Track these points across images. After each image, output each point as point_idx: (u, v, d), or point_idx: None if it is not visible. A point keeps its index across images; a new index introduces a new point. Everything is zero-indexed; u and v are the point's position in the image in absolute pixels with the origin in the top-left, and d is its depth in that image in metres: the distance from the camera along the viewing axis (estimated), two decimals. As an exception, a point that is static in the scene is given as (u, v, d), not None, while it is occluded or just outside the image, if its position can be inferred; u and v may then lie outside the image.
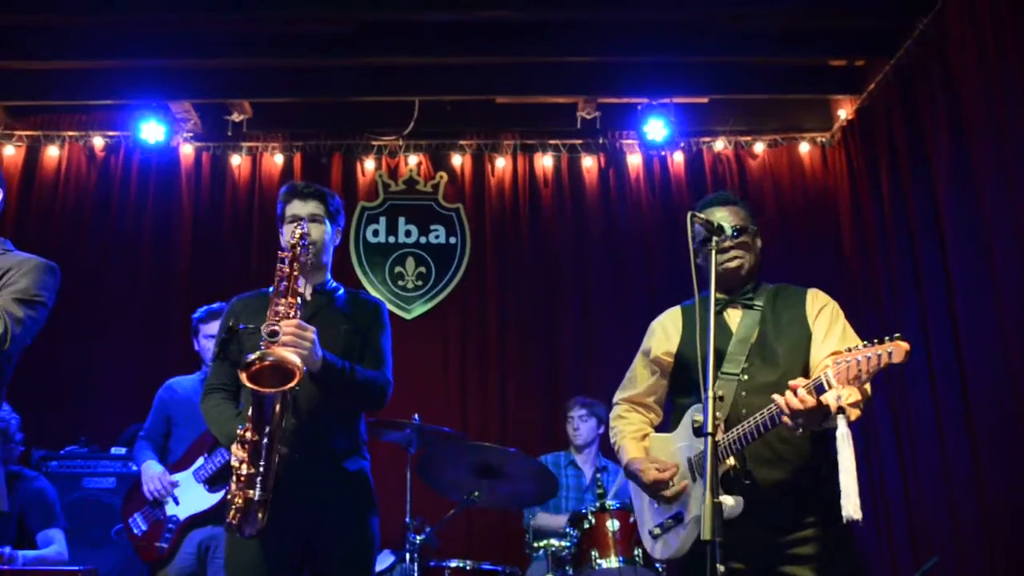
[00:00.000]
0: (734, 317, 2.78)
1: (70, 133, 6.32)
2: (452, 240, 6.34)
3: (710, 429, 2.19)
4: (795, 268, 5.89)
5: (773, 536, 2.57)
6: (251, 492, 2.57)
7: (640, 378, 2.96)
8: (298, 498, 2.73)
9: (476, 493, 4.11)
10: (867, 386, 2.40)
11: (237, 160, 6.37)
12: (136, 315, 5.96)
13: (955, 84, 4.72)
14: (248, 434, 2.59)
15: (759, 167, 6.40)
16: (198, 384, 4.43)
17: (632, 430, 2.90)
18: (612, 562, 3.98)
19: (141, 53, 5.50)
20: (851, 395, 2.31)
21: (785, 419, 2.40)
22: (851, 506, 2.25)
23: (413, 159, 6.43)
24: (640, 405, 2.95)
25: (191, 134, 6.29)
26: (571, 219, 6.32)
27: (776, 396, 2.42)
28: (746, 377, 2.64)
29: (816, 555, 2.54)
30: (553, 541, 4.15)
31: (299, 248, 2.82)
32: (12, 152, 6.26)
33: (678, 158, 6.38)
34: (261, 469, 2.57)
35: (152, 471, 4.18)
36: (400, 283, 6.26)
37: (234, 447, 2.64)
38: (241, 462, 2.59)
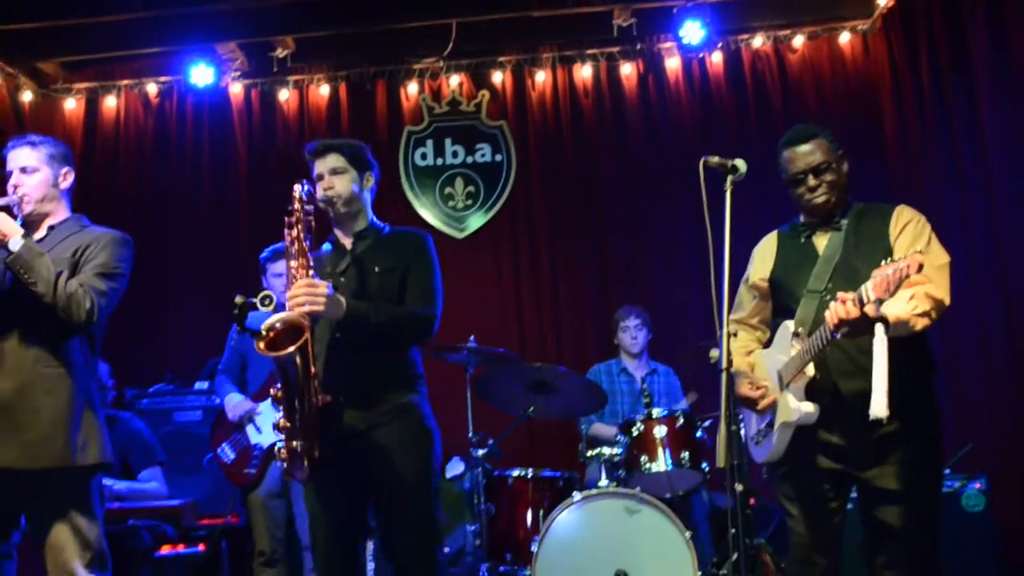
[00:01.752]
0: (822, 240, 2.93)
1: (124, 82, 6.57)
2: (498, 157, 6.49)
3: (724, 364, 2.38)
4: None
5: (854, 441, 2.76)
6: (293, 443, 2.81)
7: (744, 302, 3.14)
8: (352, 437, 2.96)
9: (531, 408, 4.40)
10: (941, 294, 2.59)
11: (285, 94, 6.56)
12: (202, 254, 6.28)
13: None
14: (279, 393, 2.81)
15: (799, 61, 6.34)
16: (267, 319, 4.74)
17: (739, 347, 3.06)
18: (660, 465, 4.27)
19: (186, 2, 5.68)
20: (904, 307, 2.51)
21: (832, 328, 2.56)
22: (878, 405, 2.44)
23: (455, 80, 6.54)
24: (747, 325, 3.13)
25: (239, 73, 6.47)
26: (612, 128, 6.39)
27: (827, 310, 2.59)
28: (828, 296, 2.78)
29: (895, 460, 2.73)
30: (605, 449, 4.43)
31: (299, 212, 2.94)
32: (73, 105, 6.55)
33: (716, 59, 6.37)
34: (297, 422, 2.80)
35: (234, 400, 4.54)
36: (451, 203, 6.46)
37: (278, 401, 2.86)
38: (280, 417, 2.83)
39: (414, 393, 3.12)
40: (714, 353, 2.55)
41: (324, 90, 6.56)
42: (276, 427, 2.84)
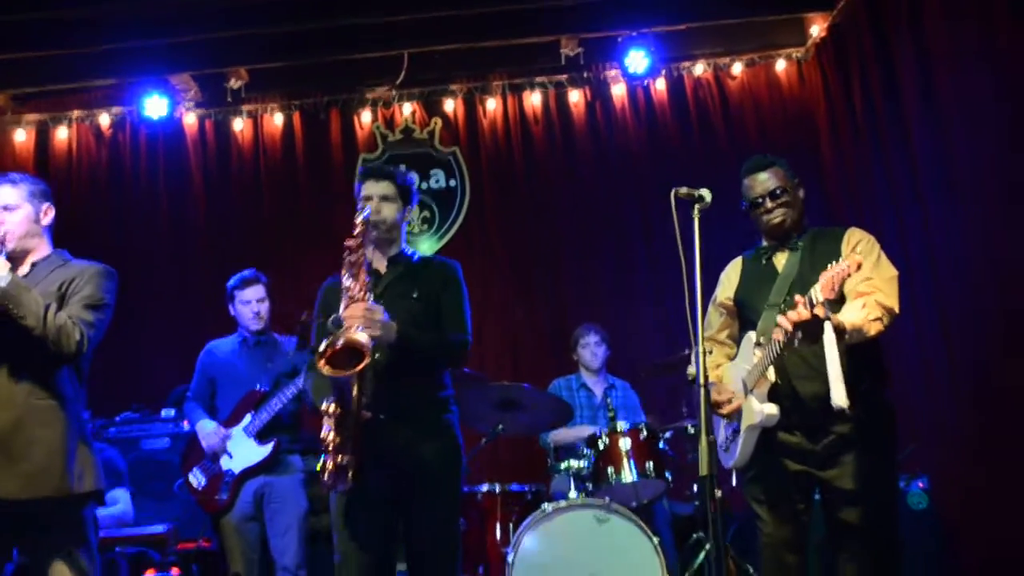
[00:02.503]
0: (781, 259, 3.21)
1: (76, 113, 6.60)
2: (452, 183, 6.67)
3: (702, 380, 2.59)
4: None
5: (813, 442, 3.00)
6: (339, 457, 2.94)
7: (712, 320, 3.38)
8: (387, 452, 3.08)
9: (500, 426, 4.57)
10: (891, 303, 2.85)
11: (239, 124, 6.65)
12: (162, 283, 6.33)
13: (920, 3, 5.00)
14: (332, 408, 2.95)
15: (738, 88, 6.66)
16: (237, 345, 4.81)
17: (710, 362, 3.27)
18: (627, 476, 4.46)
19: (139, 34, 5.77)
20: (858, 314, 2.78)
21: (780, 335, 2.80)
22: (837, 395, 2.69)
23: (407, 108, 6.72)
24: (716, 342, 3.36)
25: (193, 103, 6.56)
26: (562, 152, 6.63)
27: (779, 316, 2.82)
28: (785, 308, 2.98)
29: (849, 460, 2.96)
30: (572, 461, 4.61)
31: (361, 236, 3.10)
32: (23, 137, 6.55)
33: (660, 85, 6.66)
34: (347, 437, 2.94)
35: (207, 428, 4.59)
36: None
37: (325, 420, 2.98)
38: (329, 431, 2.95)
39: (448, 412, 3.30)
40: (691, 370, 2.75)
41: (278, 119, 6.67)
42: (323, 442, 2.96)
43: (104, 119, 6.61)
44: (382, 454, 3.07)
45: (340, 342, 2.89)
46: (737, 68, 6.66)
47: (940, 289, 5.01)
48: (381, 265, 3.34)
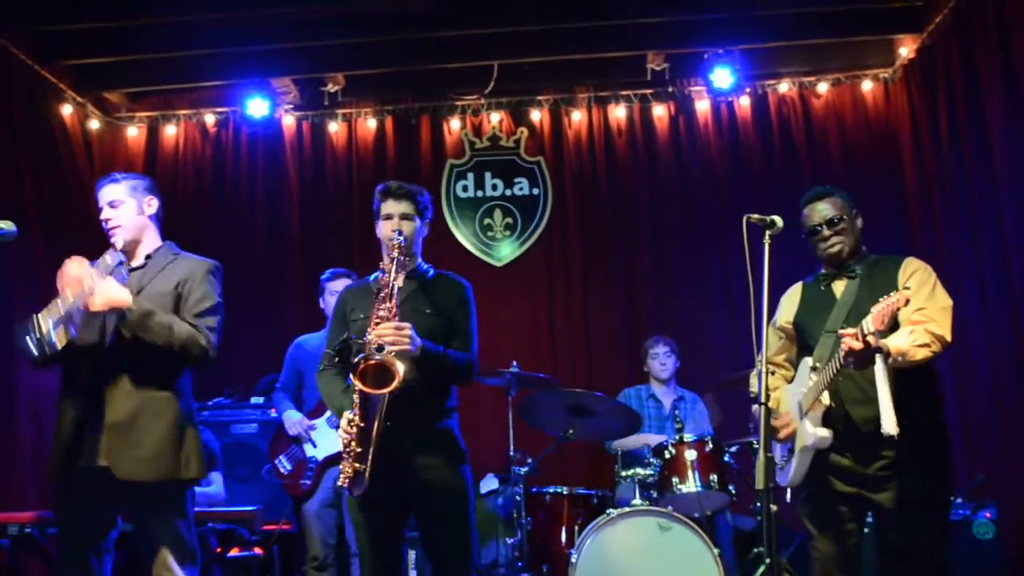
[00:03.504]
0: (839, 286, 3.33)
1: (184, 112, 6.97)
2: (535, 191, 6.86)
3: (763, 399, 2.73)
4: (858, 205, 6.24)
5: (864, 465, 3.12)
6: (358, 465, 3.13)
7: (771, 342, 3.49)
8: (396, 458, 3.24)
9: (571, 431, 4.74)
10: (942, 331, 2.96)
11: (334, 127, 6.95)
12: (254, 278, 6.63)
13: (1009, 29, 4.99)
14: (356, 419, 3.13)
15: (823, 106, 6.70)
16: (324, 341, 5.08)
17: (769, 384, 3.39)
18: (691, 486, 4.59)
19: (245, 40, 6.07)
20: (905, 340, 2.90)
21: (836, 364, 2.95)
22: (887, 423, 2.82)
23: (495, 117, 6.92)
24: (775, 364, 3.50)
25: (291, 106, 6.86)
26: (644, 165, 6.76)
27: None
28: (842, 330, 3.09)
29: (899, 484, 3.07)
30: (639, 469, 4.75)
31: (394, 262, 3.29)
32: (135, 133, 6.95)
33: (744, 102, 6.73)
34: (366, 447, 3.13)
35: (293, 418, 4.88)
36: (489, 233, 6.83)
37: (343, 426, 3.18)
38: (351, 440, 3.14)
39: (450, 419, 3.46)
40: (754, 387, 2.89)
41: (371, 123, 6.94)
42: (346, 450, 3.16)
43: (209, 118, 6.98)
44: (389, 460, 3.19)
45: (375, 360, 3.05)
46: (823, 87, 6.70)
47: (1017, 315, 5.00)
48: (399, 279, 3.44)
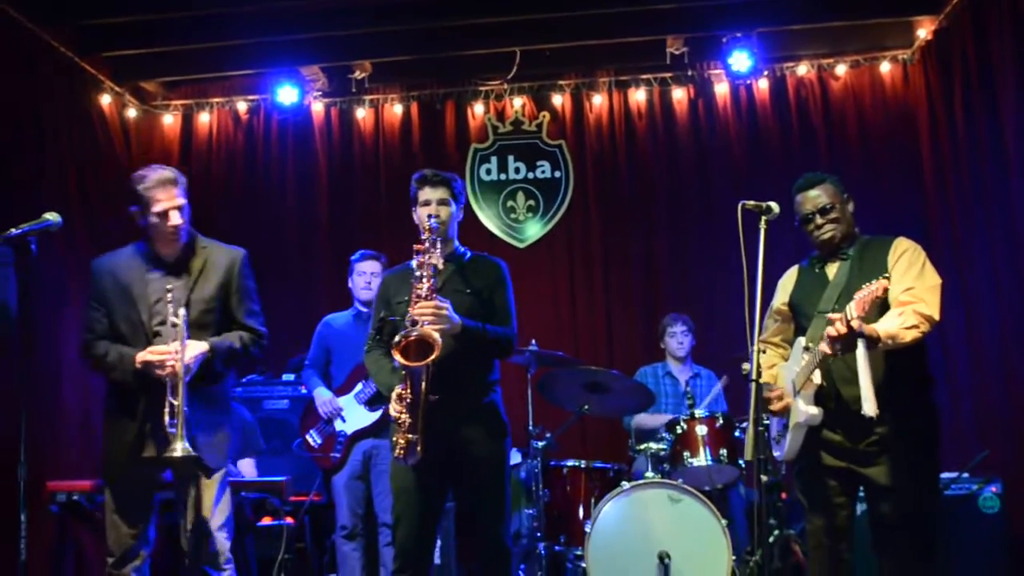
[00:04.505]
0: (832, 269, 3.48)
1: (217, 100, 7.21)
2: (557, 174, 7.03)
3: (754, 376, 2.90)
4: (875, 187, 6.38)
5: (854, 441, 3.28)
6: (410, 436, 3.37)
7: (768, 324, 3.69)
8: (442, 429, 3.47)
9: (586, 406, 4.93)
10: (930, 311, 3.08)
11: (361, 113, 7.15)
12: (285, 260, 6.87)
13: (1022, 14, 5.06)
14: (405, 393, 3.38)
15: (841, 88, 6.77)
16: (351, 319, 5.28)
17: (764, 361, 3.59)
18: (701, 460, 4.77)
19: (275, 30, 6.28)
20: (893, 323, 3.04)
21: (824, 346, 3.10)
22: (867, 404, 2.98)
23: (518, 101, 7.08)
24: (772, 344, 3.68)
25: (320, 93, 7.06)
26: (664, 148, 6.89)
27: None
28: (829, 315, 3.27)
29: (887, 459, 3.22)
30: (652, 444, 4.94)
31: (430, 240, 3.50)
32: (171, 121, 7.20)
33: (763, 85, 6.82)
34: (415, 418, 3.36)
35: (323, 396, 5.11)
36: (512, 215, 7.01)
37: (394, 401, 3.42)
38: (400, 413, 3.38)
39: (494, 393, 3.70)
40: (746, 366, 3.06)
41: (398, 109, 7.13)
42: (398, 422, 3.40)
43: (241, 105, 7.20)
44: (436, 431, 3.42)
45: (415, 335, 3.29)
46: (841, 69, 6.76)
47: (1025, 296, 5.10)
48: (439, 261, 3.60)
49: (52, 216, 3.36)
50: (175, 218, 3.56)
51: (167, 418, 3.35)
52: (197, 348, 3.47)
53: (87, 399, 5.57)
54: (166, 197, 3.56)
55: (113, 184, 6.31)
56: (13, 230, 3.22)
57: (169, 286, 3.52)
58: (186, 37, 6.34)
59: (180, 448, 3.35)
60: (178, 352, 3.39)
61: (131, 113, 6.89)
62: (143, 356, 3.43)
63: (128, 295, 3.57)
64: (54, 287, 5.43)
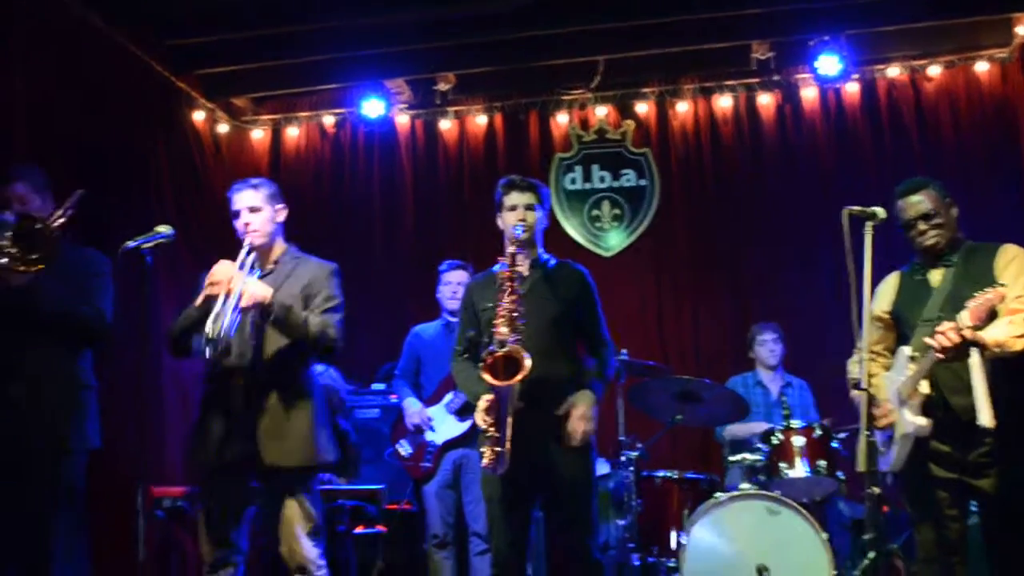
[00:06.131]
0: (936, 276, 3.40)
1: (305, 114, 7.35)
2: (642, 182, 6.98)
3: (864, 384, 2.83)
4: (972, 191, 6.18)
5: (964, 452, 3.19)
6: (498, 448, 3.39)
7: (869, 332, 3.56)
8: (530, 441, 3.47)
9: (679, 416, 4.87)
10: None
11: (446, 124, 7.21)
12: (373, 271, 6.95)
13: None
14: (491, 403, 3.39)
15: (935, 89, 6.59)
16: (441, 329, 5.33)
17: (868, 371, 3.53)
18: (799, 472, 4.66)
19: (361, 44, 6.38)
20: (1003, 331, 2.96)
21: (937, 355, 3.01)
22: (983, 415, 2.91)
23: (601, 110, 7.06)
24: (873, 352, 3.54)
25: (405, 105, 7.15)
26: (750, 154, 6.80)
27: (928, 339, 3.02)
28: (939, 322, 3.17)
29: (996, 471, 3.14)
30: (747, 455, 4.86)
31: (516, 245, 3.52)
32: (260, 135, 7.36)
33: (852, 88, 6.68)
34: (503, 430, 3.37)
35: (413, 407, 5.16)
36: (598, 224, 6.99)
37: (480, 410, 3.44)
38: (489, 425, 3.40)
39: None
40: (851, 375, 3.00)
41: (481, 120, 7.18)
42: (486, 434, 3.41)
43: (328, 119, 7.33)
44: (522, 441, 3.42)
45: (502, 352, 3.31)
46: (934, 70, 6.58)
47: None
48: (524, 267, 3.63)
49: (165, 229, 3.46)
50: (244, 217, 3.69)
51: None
52: (261, 289, 3.48)
53: (188, 405, 5.71)
54: (238, 200, 3.71)
55: (206, 197, 6.50)
56: (129, 243, 3.32)
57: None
58: (275, 54, 6.49)
59: (262, 451, 3.43)
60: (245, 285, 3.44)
61: (222, 128, 7.07)
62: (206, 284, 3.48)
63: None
64: (156, 297, 5.60)
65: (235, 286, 3.42)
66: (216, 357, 3.55)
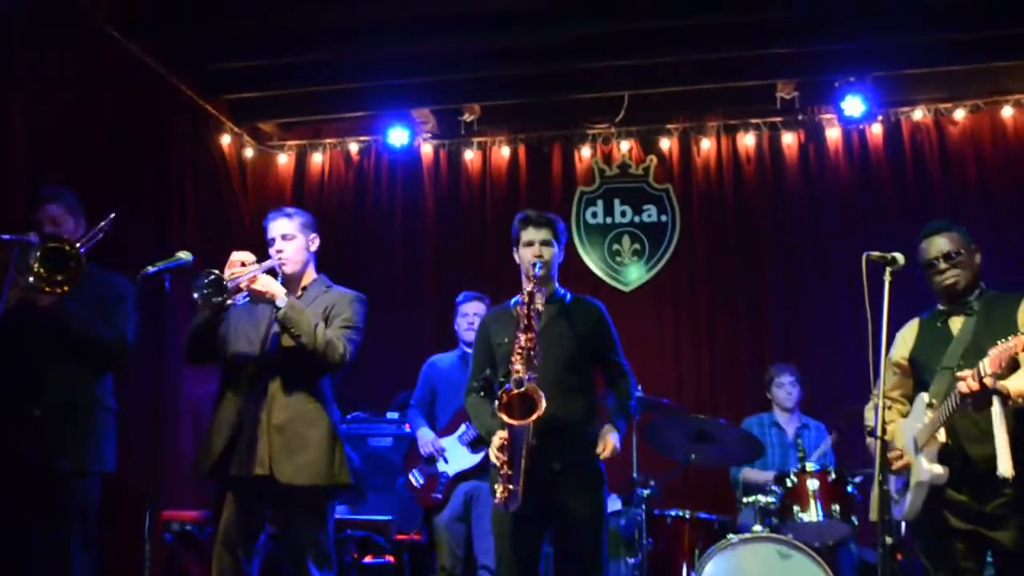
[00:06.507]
0: (956, 323, 3.36)
1: (330, 141, 7.43)
2: (663, 218, 6.99)
3: (879, 433, 2.80)
4: (996, 237, 6.13)
5: (981, 502, 3.15)
6: (511, 486, 3.36)
7: (887, 377, 3.52)
8: (542, 477, 3.44)
9: (693, 456, 4.84)
10: None
11: (470, 154, 7.26)
12: (392, 299, 6.92)
13: None
14: (505, 441, 3.38)
15: (959, 133, 6.58)
16: (457, 360, 5.33)
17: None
18: (812, 515, 4.61)
19: (387, 74, 6.45)
20: (1022, 385, 2.92)
21: (953, 403, 3.00)
22: (1003, 465, 2.87)
23: (625, 145, 7.09)
24: (890, 398, 3.54)
25: (430, 135, 7.22)
26: (773, 193, 6.80)
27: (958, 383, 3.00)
28: (958, 371, 3.15)
29: (1016, 523, 3.09)
30: (760, 497, 4.81)
31: (533, 281, 3.52)
32: (285, 160, 7.44)
33: (876, 130, 6.68)
34: (517, 468, 3.35)
35: (426, 437, 5.14)
36: (618, 259, 7.00)
37: (495, 447, 3.42)
38: (502, 463, 3.37)
39: (593, 444, 3.63)
40: (867, 422, 2.97)
41: (505, 151, 7.22)
42: (500, 472, 3.39)
43: (353, 147, 7.40)
44: (534, 478, 3.40)
45: (518, 392, 3.30)
46: (959, 113, 6.58)
47: None
48: (540, 303, 3.59)
49: (184, 255, 3.49)
50: (277, 244, 3.74)
51: None
52: (275, 284, 3.54)
53: (200, 431, 5.73)
54: (273, 228, 3.78)
55: (231, 219, 6.56)
56: (150, 268, 3.35)
57: None
58: (303, 81, 6.57)
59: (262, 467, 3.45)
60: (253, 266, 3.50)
61: (248, 152, 7.15)
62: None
63: (252, 311, 3.70)
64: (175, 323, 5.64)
65: (251, 270, 3.51)
66: (230, 359, 3.64)
